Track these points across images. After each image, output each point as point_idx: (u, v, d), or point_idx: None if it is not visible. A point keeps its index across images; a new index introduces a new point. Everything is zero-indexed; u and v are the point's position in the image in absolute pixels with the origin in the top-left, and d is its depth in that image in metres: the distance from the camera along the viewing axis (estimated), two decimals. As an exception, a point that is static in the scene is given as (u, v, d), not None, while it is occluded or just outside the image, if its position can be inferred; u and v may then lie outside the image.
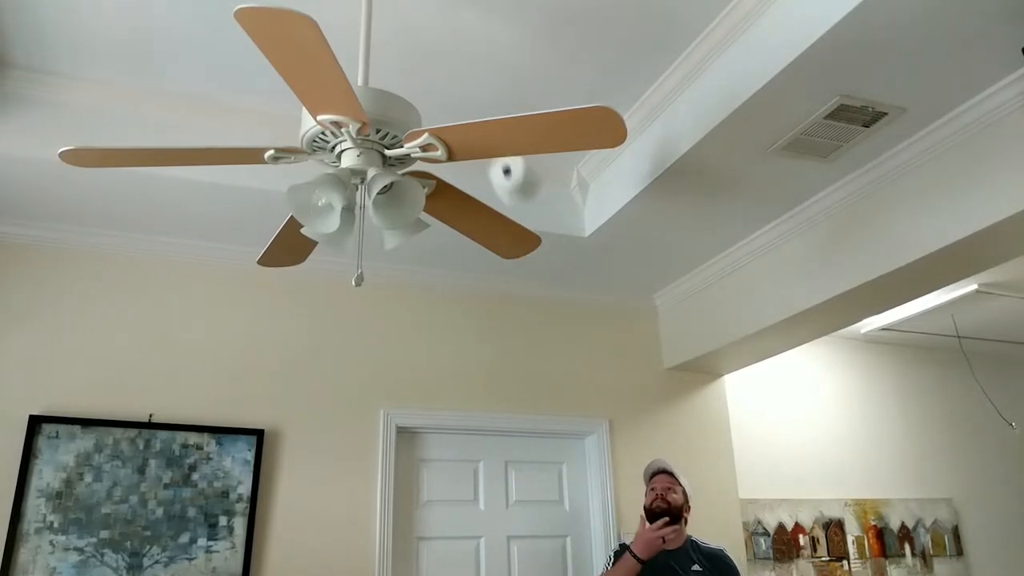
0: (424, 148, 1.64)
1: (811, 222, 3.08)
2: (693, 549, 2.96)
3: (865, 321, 4.30)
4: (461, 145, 1.63)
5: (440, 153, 1.63)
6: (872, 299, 3.03)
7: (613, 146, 1.54)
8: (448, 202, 1.98)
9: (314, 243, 2.11)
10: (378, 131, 1.67)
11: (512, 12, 2.33)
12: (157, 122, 2.70)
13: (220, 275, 3.31)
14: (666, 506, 2.95)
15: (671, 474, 3.08)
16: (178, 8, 2.31)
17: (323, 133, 1.68)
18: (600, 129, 1.50)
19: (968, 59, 2.19)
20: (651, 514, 2.97)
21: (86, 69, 2.58)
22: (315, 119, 1.62)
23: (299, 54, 1.42)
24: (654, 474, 3.12)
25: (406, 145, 1.65)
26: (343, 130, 1.63)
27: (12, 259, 3.05)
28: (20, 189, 2.79)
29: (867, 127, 2.50)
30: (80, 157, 1.74)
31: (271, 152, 1.76)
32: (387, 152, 1.71)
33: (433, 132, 1.60)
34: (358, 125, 1.61)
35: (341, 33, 2.35)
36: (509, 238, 2.16)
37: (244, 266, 3.32)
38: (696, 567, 2.89)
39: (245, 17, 1.30)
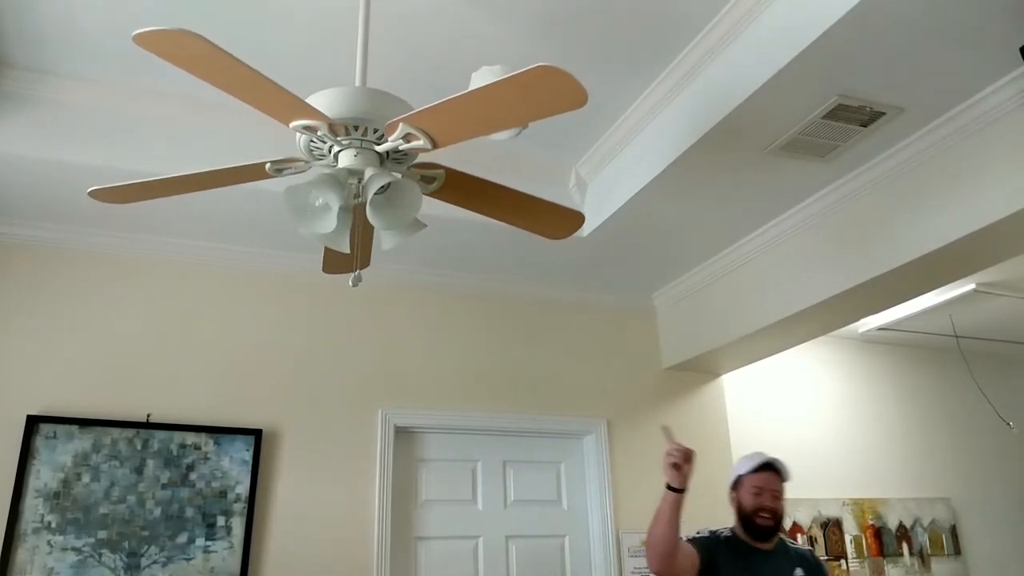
0: (407, 139, 1.63)
1: (809, 222, 3.08)
2: (788, 552, 2.52)
3: (863, 321, 4.30)
4: (439, 129, 1.60)
5: (423, 142, 1.61)
6: (870, 298, 3.03)
7: (578, 107, 1.48)
8: (466, 190, 1.93)
9: (370, 243, 2.03)
10: (375, 131, 1.67)
11: (512, 11, 2.33)
12: (156, 122, 2.70)
13: (219, 275, 3.31)
14: (773, 523, 2.43)
15: (781, 475, 2.49)
16: (177, 8, 2.31)
17: (314, 139, 1.68)
18: (556, 91, 1.45)
19: (966, 59, 2.19)
20: (754, 527, 2.43)
21: (85, 69, 2.58)
22: (287, 126, 1.61)
23: (216, 69, 1.38)
24: (760, 468, 2.47)
25: (389, 139, 1.64)
26: (318, 134, 1.63)
27: (12, 259, 3.05)
28: (20, 189, 2.79)
29: (865, 127, 2.50)
30: (108, 195, 1.87)
31: (269, 165, 1.77)
32: (377, 148, 1.70)
33: (407, 121, 1.58)
34: (326, 125, 1.61)
35: (340, 33, 2.35)
36: (548, 219, 2.06)
37: (243, 266, 3.33)
38: (799, 570, 2.44)
39: (144, 41, 1.29)
